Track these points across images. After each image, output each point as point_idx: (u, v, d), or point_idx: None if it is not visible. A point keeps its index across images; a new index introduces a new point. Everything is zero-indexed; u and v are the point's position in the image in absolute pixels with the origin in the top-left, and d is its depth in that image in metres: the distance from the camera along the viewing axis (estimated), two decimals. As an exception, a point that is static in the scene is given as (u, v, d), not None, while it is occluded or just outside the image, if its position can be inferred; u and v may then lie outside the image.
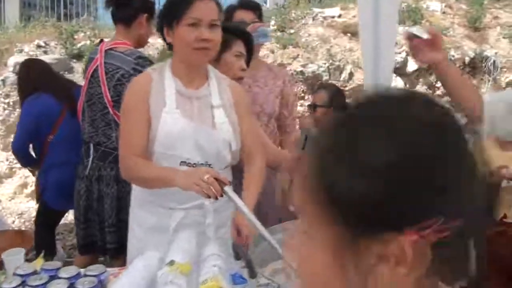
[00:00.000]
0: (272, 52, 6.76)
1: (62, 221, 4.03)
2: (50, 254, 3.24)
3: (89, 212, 2.97)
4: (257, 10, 2.73)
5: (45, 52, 5.99)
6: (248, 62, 2.29)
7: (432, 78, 7.48)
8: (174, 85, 1.97)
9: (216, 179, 1.64)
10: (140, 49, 2.93)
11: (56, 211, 3.63)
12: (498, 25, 9.12)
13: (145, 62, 2.68)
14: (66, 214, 3.94)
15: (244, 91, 2.18)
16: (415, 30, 2.96)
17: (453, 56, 7.79)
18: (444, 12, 8.93)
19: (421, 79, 7.47)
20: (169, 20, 1.94)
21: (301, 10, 7.86)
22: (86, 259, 3.03)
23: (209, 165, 1.96)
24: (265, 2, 10.81)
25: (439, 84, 7.59)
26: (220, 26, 1.93)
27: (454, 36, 8.27)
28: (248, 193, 1.99)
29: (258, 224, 1.50)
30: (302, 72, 6.61)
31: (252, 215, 1.53)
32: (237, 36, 2.24)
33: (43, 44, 6.09)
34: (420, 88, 7.44)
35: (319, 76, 6.65)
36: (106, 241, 2.92)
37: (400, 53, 7.24)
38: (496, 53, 8.45)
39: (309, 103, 3.39)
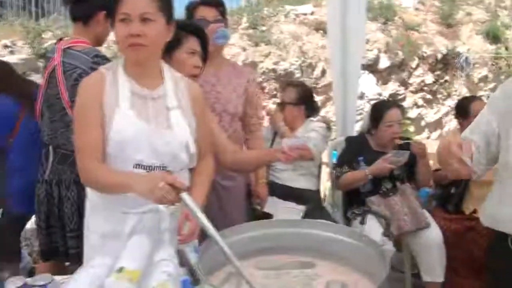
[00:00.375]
0: (244, 49, 6.71)
1: (30, 226, 3.92)
2: (15, 261, 3.12)
3: (51, 217, 2.87)
4: (219, 6, 2.65)
5: (12, 52, 5.84)
6: (205, 59, 2.22)
7: (405, 74, 7.53)
8: (128, 85, 1.87)
9: (173, 185, 1.57)
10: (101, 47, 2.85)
11: (21, 216, 3.52)
12: (471, 21, 9.22)
13: (103, 60, 2.58)
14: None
15: (201, 91, 2.10)
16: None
17: (425, 52, 7.84)
18: (417, 9, 8.98)
19: (393, 76, 7.49)
20: (109, 17, 1.86)
21: (274, 7, 7.82)
22: (50, 266, 2.93)
23: (165, 167, 1.88)
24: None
25: (411, 81, 7.63)
26: (161, 20, 1.82)
27: (426, 32, 8.32)
28: (195, 190, 1.92)
29: (211, 229, 1.43)
30: (274, 70, 6.57)
31: (207, 221, 1.46)
32: (189, 33, 2.17)
33: (9, 44, 5.94)
34: (393, 84, 7.46)
35: (291, 74, 6.63)
36: (68, 246, 2.82)
37: (372, 50, 7.26)
38: (468, 49, 8.53)
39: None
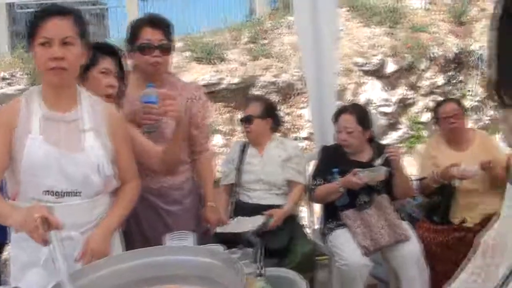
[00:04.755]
0: (243, 64, 6.63)
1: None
2: None
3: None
4: (165, 28, 2.52)
5: (10, 84, 5.94)
6: (122, 79, 2.15)
7: (414, 78, 7.28)
8: (40, 110, 1.87)
9: (47, 219, 1.50)
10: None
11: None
12: (485, 17, 8.88)
13: None
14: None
15: (119, 114, 2.04)
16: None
17: (435, 53, 7.57)
18: (427, 9, 8.71)
19: (402, 80, 7.25)
20: (28, 40, 1.86)
21: (277, 19, 7.73)
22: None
23: (78, 193, 1.84)
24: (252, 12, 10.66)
25: (421, 84, 7.37)
26: (79, 43, 1.82)
27: (437, 32, 8.04)
28: (109, 213, 1.93)
29: (63, 274, 1.34)
30: (274, 83, 6.46)
31: (63, 265, 1.37)
32: (104, 53, 2.12)
33: (8, 76, 6.04)
34: (402, 89, 7.22)
35: (292, 86, 6.50)
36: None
37: (377, 55, 7.06)
38: (481, 46, 8.20)
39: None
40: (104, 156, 1.87)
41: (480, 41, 8.28)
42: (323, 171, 3.11)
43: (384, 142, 7.00)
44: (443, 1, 8.97)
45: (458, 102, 3.63)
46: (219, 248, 1.82)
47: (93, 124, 1.89)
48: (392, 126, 7.15)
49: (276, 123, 3.24)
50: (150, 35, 2.46)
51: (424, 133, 7.08)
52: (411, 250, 2.88)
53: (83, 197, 1.85)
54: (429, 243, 3.14)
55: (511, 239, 0.60)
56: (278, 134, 3.30)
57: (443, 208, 3.24)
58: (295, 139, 6.53)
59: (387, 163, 3.02)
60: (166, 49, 2.48)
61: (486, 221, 3.12)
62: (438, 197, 3.28)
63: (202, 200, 2.67)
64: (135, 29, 2.53)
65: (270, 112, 3.20)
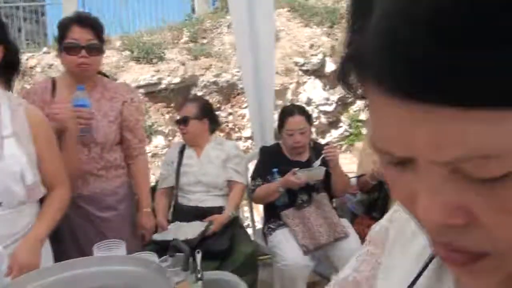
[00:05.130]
0: (183, 64, 6.53)
1: None
2: None
3: None
4: (95, 27, 2.41)
5: None
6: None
7: (351, 78, 7.39)
8: None
9: None
10: None
11: None
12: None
13: None
14: None
15: (41, 115, 1.92)
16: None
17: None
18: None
19: (341, 79, 7.35)
20: None
21: (216, 19, 7.67)
22: None
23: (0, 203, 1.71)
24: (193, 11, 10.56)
25: (360, 83, 7.51)
26: None
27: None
28: (36, 223, 1.84)
29: None
30: (215, 83, 6.40)
31: None
32: None
33: None
34: (341, 88, 7.32)
35: (234, 85, 6.46)
36: None
37: (317, 54, 7.13)
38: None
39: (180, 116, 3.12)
40: (27, 163, 1.76)
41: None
42: (263, 172, 3.10)
43: (325, 140, 7.12)
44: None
45: None
46: (150, 256, 1.76)
47: (13, 129, 1.77)
48: (333, 124, 7.25)
49: (213, 123, 3.19)
50: (77, 35, 2.34)
51: (364, 130, 7.22)
52: (351, 246, 2.90)
53: (4, 208, 1.73)
54: (369, 239, 3.18)
55: (393, 232, 0.60)
56: (221, 135, 3.25)
57: (381, 203, 3.30)
58: (238, 139, 6.51)
59: (325, 162, 3.04)
60: (95, 49, 2.37)
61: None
62: (377, 193, 3.33)
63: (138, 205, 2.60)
64: (63, 28, 2.40)
65: (206, 113, 3.14)
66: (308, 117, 3.17)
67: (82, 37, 2.34)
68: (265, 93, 3.45)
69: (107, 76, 2.67)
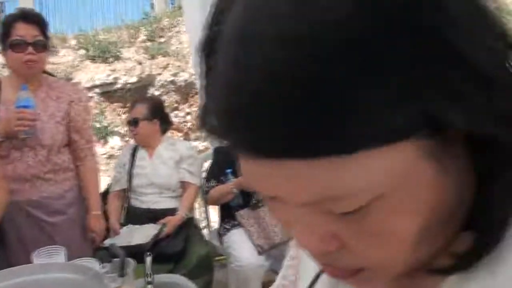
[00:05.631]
0: (140, 63, 6.44)
1: None
2: None
3: None
4: (40, 24, 2.35)
5: None
6: None
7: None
8: None
9: None
10: None
11: None
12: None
13: None
14: None
15: None
16: None
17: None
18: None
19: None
20: None
21: (174, 18, 7.60)
22: None
23: None
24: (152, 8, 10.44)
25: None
26: None
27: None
28: None
29: None
30: (173, 82, 6.34)
31: None
32: None
33: None
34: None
35: (192, 84, 6.41)
36: None
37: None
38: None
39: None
40: None
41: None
42: (217, 172, 3.07)
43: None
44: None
45: None
46: (90, 263, 1.71)
47: None
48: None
49: (164, 123, 3.15)
50: (23, 31, 2.28)
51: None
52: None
53: None
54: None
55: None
56: (179, 135, 3.21)
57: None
58: (197, 138, 6.47)
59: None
60: (41, 46, 2.31)
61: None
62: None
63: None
64: (7, 25, 2.33)
65: (157, 113, 3.09)
66: None
67: (28, 33, 2.28)
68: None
69: (52, 75, 2.60)
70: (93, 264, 1.67)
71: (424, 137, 0.34)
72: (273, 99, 0.32)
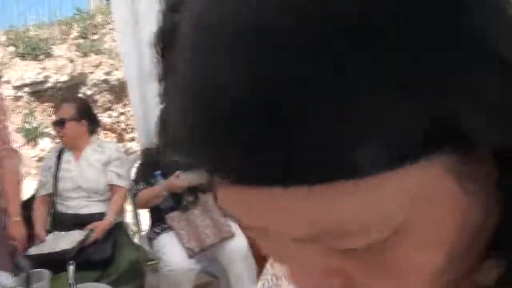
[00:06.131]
0: (71, 61, 6.22)
1: None
2: None
3: None
4: None
5: None
6: None
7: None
8: None
9: None
10: None
11: None
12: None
13: None
14: None
15: None
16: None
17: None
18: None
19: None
20: None
21: (108, 14, 7.39)
22: None
23: None
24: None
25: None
26: None
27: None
28: None
29: None
30: (106, 81, 6.17)
31: None
32: None
33: None
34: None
35: (126, 84, 6.26)
36: None
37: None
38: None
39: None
40: None
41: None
42: (146, 175, 3.01)
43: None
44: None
45: None
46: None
47: None
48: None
49: (92, 124, 3.05)
50: None
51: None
52: (238, 246, 2.91)
53: None
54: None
55: None
56: (113, 135, 3.11)
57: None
58: (131, 139, 6.32)
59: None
60: None
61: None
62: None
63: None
64: None
65: (85, 114, 2.99)
66: None
67: None
68: (149, 91, 3.35)
69: None
70: (3, 277, 1.58)
71: (449, 154, 0.27)
72: (254, 116, 0.25)
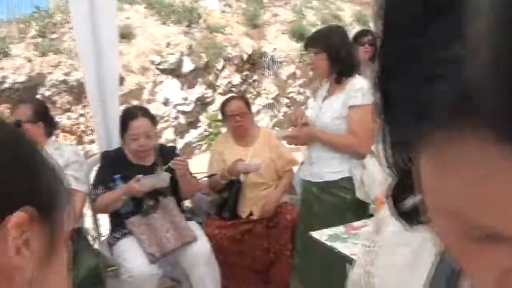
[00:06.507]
0: (29, 61, 6.04)
1: None
2: None
3: None
4: None
5: None
6: None
7: (211, 77, 7.44)
8: None
9: None
10: None
11: None
12: (277, 22, 9.47)
13: None
14: None
15: None
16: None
17: (230, 53, 7.83)
18: (223, 11, 8.98)
19: (199, 79, 7.34)
20: None
21: (67, 13, 7.21)
22: None
23: None
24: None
25: (218, 82, 7.57)
26: None
27: (232, 34, 8.33)
28: None
29: None
30: (65, 81, 6.02)
31: None
32: None
33: None
34: (200, 87, 7.32)
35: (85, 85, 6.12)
36: None
37: (174, 53, 7.03)
38: (274, 48, 8.73)
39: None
40: None
41: (273, 43, 8.82)
42: (105, 178, 2.93)
43: (184, 140, 7.05)
44: (238, 4, 9.34)
45: (244, 99, 3.71)
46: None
47: None
48: (192, 124, 7.21)
49: (49, 126, 2.95)
50: None
51: (223, 130, 7.28)
52: (200, 250, 2.87)
53: None
54: (221, 239, 3.19)
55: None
56: (72, 137, 3.02)
57: (231, 203, 3.32)
58: (91, 142, 6.18)
59: (170, 168, 2.95)
60: None
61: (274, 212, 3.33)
62: (227, 193, 3.34)
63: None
64: None
65: (41, 116, 2.90)
66: (153, 119, 3.06)
67: None
68: (108, 93, 3.27)
69: None
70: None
71: None
72: None
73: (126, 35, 6.82)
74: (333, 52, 2.74)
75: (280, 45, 8.95)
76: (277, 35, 9.21)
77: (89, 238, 3.22)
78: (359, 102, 2.68)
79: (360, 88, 2.71)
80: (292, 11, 9.94)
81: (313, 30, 9.50)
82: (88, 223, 3.34)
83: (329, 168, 2.81)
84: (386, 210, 0.57)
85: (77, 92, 6.09)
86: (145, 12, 7.62)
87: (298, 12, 10.00)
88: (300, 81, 8.82)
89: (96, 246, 3.14)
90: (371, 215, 2.75)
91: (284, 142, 3.36)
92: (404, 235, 0.54)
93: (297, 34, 9.34)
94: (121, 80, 6.41)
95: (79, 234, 2.90)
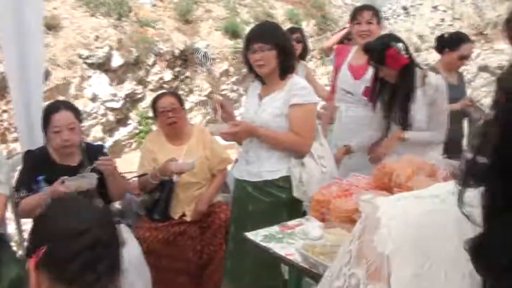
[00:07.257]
0: None
1: None
2: None
3: None
4: None
5: None
6: None
7: (142, 72, 7.23)
8: None
9: None
10: None
11: None
12: (210, 18, 9.37)
13: None
14: None
15: None
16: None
17: (161, 49, 7.65)
18: (154, 5, 8.76)
19: (129, 74, 7.12)
20: None
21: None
22: None
23: None
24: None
25: (149, 79, 7.38)
26: None
27: (164, 29, 8.15)
28: None
29: None
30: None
31: None
32: None
33: None
34: (130, 83, 7.09)
35: (6, 80, 5.77)
36: None
37: (103, 47, 6.78)
38: (208, 45, 8.64)
39: None
40: None
41: (206, 39, 8.72)
42: (28, 180, 2.75)
43: (113, 138, 6.82)
44: (171, -1, 9.16)
45: (176, 95, 3.62)
46: None
47: None
48: (121, 121, 6.98)
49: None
50: None
51: (154, 127, 7.11)
52: (130, 254, 2.74)
53: None
54: (152, 242, 3.10)
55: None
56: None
57: (163, 204, 3.23)
58: (15, 140, 5.84)
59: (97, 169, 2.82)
60: None
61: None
62: (158, 194, 3.24)
63: None
64: None
65: None
66: (77, 113, 2.90)
67: None
68: (32, 88, 3.09)
69: None
70: None
71: None
72: None
73: (52, 26, 6.50)
74: (282, 49, 2.73)
75: (213, 41, 8.86)
76: (210, 31, 9.11)
77: (12, 244, 3.02)
78: (302, 101, 2.68)
79: (303, 87, 2.72)
80: (225, 8, 9.87)
81: (246, 27, 9.57)
82: (10, 228, 3.14)
83: (267, 167, 2.78)
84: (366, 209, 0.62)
85: (0, 87, 5.72)
86: (73, 3, 7.29)
87: (231, 9, 9.95)
88: (233, 79, 8.77)
89: (20, 253, 2.95)
90: (305, 214, 2.76)
91: (218, 138, 3.29)
92: None
93: (230, 31, 9.29)
94: (47, 74, 6.08)
95: (0, 241, 2.71)
